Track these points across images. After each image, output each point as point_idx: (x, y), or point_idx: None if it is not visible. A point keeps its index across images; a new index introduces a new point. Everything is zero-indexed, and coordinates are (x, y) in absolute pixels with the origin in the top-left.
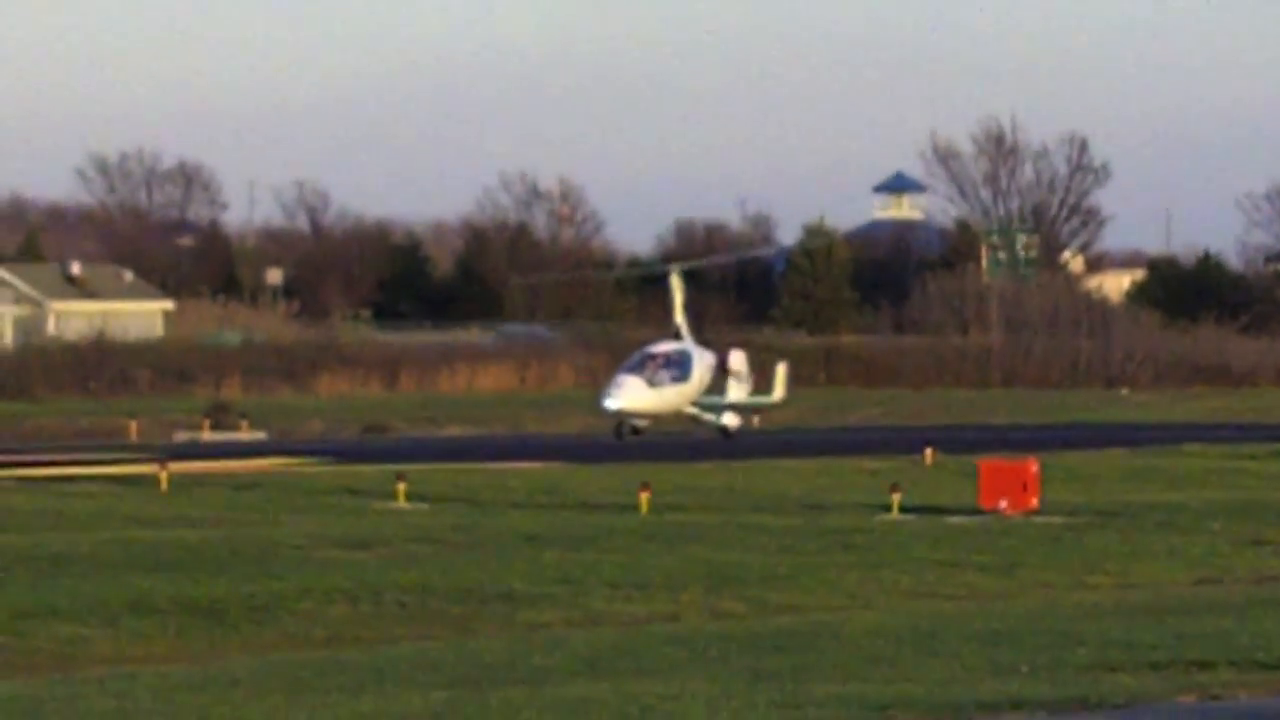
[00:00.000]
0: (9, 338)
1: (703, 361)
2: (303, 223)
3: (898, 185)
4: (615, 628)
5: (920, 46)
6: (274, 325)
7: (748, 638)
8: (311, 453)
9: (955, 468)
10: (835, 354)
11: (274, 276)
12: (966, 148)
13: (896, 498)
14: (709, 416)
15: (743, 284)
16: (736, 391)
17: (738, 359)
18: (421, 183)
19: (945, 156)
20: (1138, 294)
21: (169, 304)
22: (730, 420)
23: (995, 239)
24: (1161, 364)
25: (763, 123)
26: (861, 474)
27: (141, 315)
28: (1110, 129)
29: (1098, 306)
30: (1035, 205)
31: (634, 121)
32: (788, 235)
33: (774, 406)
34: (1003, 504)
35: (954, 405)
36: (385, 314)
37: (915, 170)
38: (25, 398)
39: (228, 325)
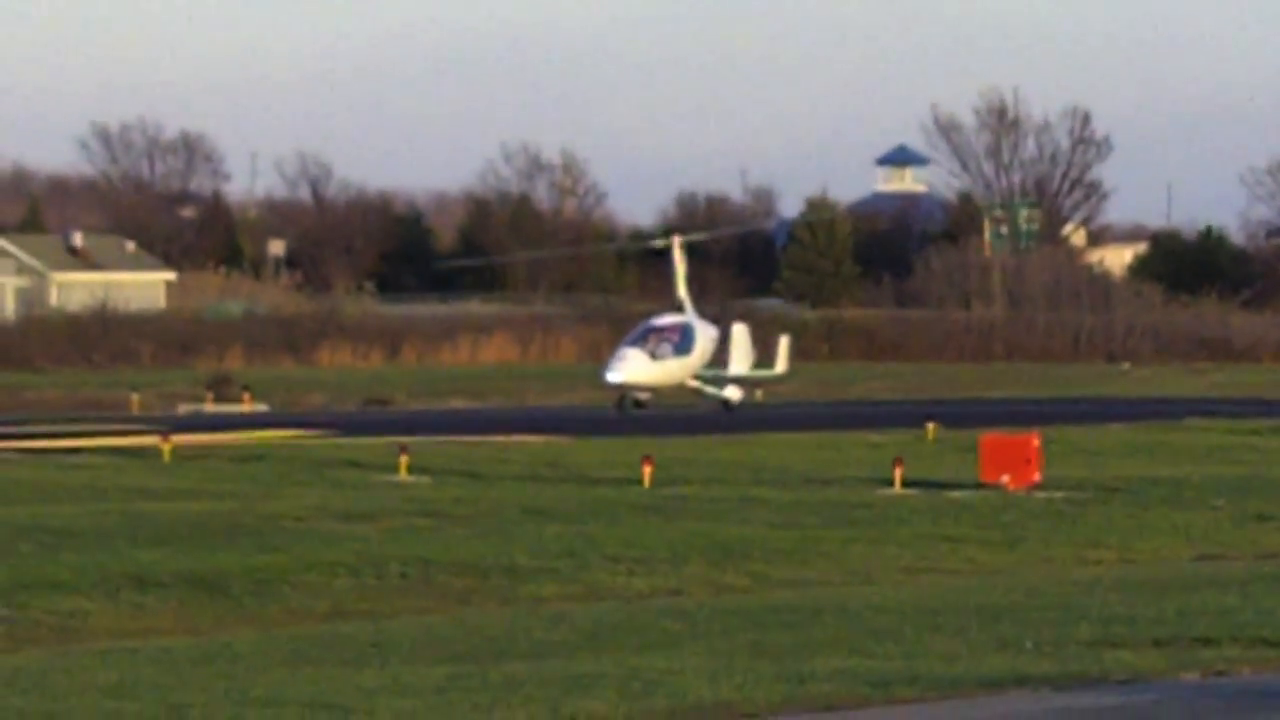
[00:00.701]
0: (11, 309)
1: (705, 334)
2: (305, 194)
3: (900, 158)
4: (617, 602)
5: (922, 18)
6: (276, 297)
7: (750, 612)
8: (314, 425)
9: (957, 442)
10: (837, 327)
11: (276, 248)
12: (968, 120)
13: (899, 472)
14: (711, 389)
15: (745, 257)
16: (739, 365)
17: (740, 332)
18: (424, 154)
19: (947, 129)
20: (1140, 268)
21: (171, 275)
22: (733, 393)
23: (997, 212)
24: (1163, 338)
25: (764, 95)
26: (864, 448)
27: (143, 286)
28: (1113, 102)
29: (1100, 280)
30: (1037, 179)
31: (636, 93)
32: (790, 208)
33: (776, 380)
34: (1005, 479)
35: (956, 379)
36: (388, 286)
37: (917, 143)
38: (27, 369)
39: (230, 297)
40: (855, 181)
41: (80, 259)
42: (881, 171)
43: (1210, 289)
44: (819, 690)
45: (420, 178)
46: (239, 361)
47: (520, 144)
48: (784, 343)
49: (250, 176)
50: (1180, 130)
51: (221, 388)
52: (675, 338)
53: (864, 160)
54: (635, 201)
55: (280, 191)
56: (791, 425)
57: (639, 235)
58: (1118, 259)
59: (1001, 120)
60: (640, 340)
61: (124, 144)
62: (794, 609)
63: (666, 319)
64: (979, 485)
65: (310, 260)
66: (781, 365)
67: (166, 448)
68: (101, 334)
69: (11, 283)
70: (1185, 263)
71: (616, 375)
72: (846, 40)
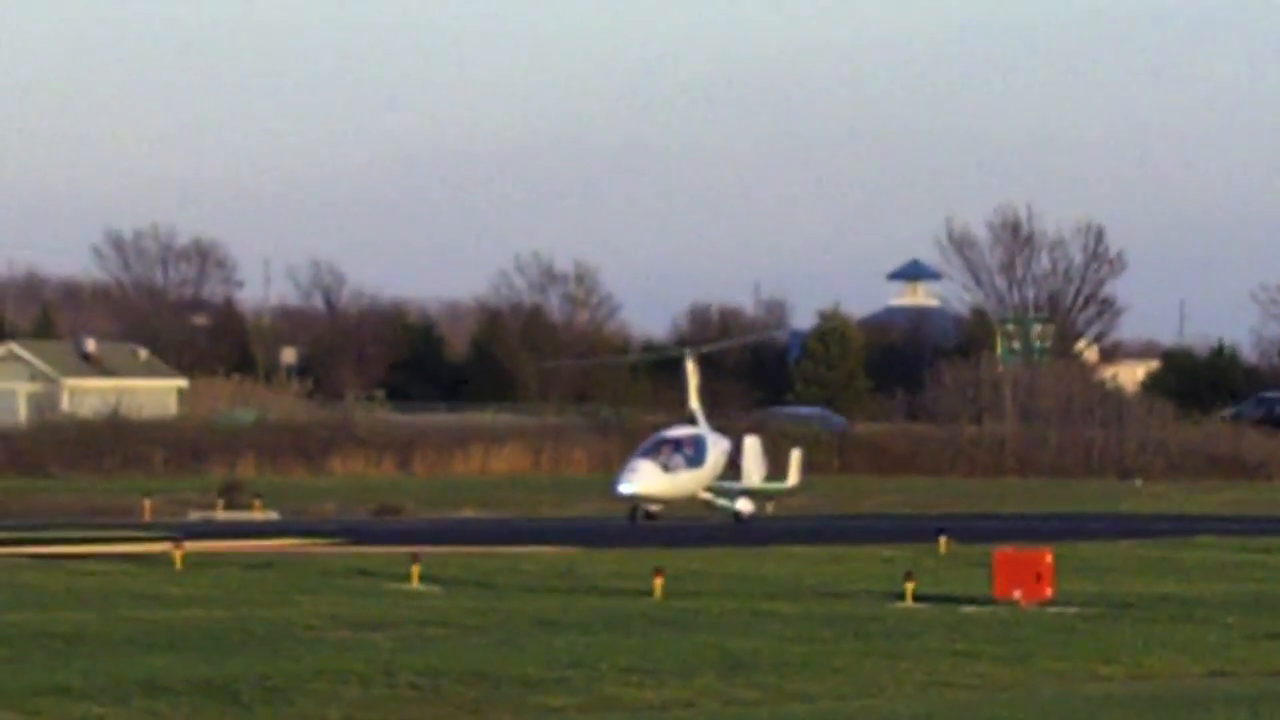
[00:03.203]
0: (23, 414)
1: (717, 447)
2: (318, 302)
3: (913, 272)
4: (629, 714)
5: (936, 134)
6: (288, 404)
7: None
8: (325, 533)
9: (969, 557)
10: (849, 441)
11: (288, 355)
12: (982, 235)
13: (910, 586)
14: (723, 502)
15: (757, 369)
16: (750, 477)
17: (752, 445)
18: (437, 264)
19: (961, 244)
20: (1152, 384)
21: (183, 382)
22: (744, 506)
23: (1010, 327)
24: (1175, 455)
25: (778, 208)
26: (875, 562)
27: (156, 393)
28: (1126, 219)
29: (1112, 396)
30: (1050, 294)
31: (649, 205)
32: (802, 321)
33: (788, 493)
34: (1016, 594)
35: (968, 494)
36: (399, 395)
37: (931, 257)
38: (39, 474)
39: (242, 404)
40: (868, 295)
41: (92, 365)
42: (894, 285)
43: (1222, 406)
44: None
45: (433, 287)
46: (251, 469)
47: (533, 254)
48: (795, 456)
49: (263, 284)
50: (1193, 247)
51: (233, 495)
52: (688, 450)
53: (877, 274)
54: (648, 313)
55: (293, 299)
56: (803, 538)
57: (651, 347)
58: (1130, 375)
59: (1015, 235)
60: (652, 452)
61: (137, 250)
62: None
63: (678, 431)
64: (991, 600)
65: (322, 368)
66: (793, 478)
67: (178, 554)
68: (113, 440)
69: (24, 388)
70: (1197, 380)
71: (628, 487)
72: (860, 154)
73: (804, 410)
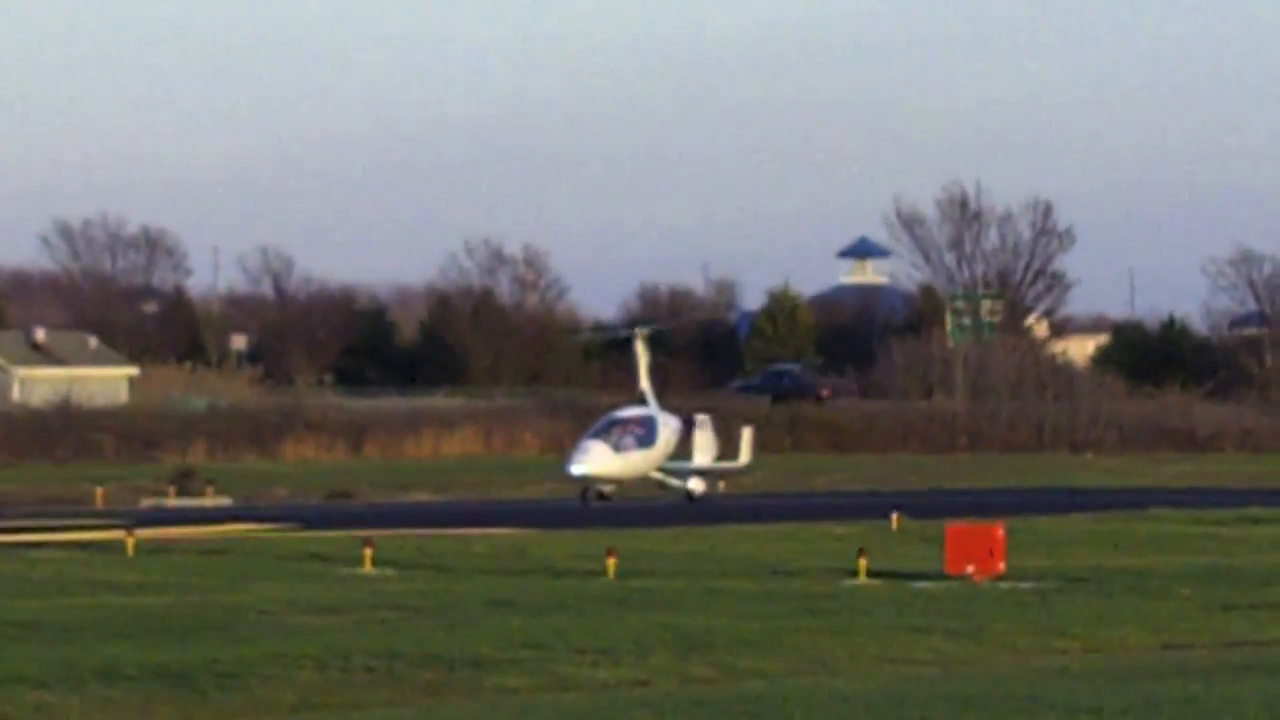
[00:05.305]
0: None
1: (668, 426)
2: (267, 288)
3: (862, 250)
4: (584, 693)
5: (884, 112)
6: (239, 391)
7: (717, 704)
8: (278, 518)
9: (921, 532)
10: (800, 419)
11: (239, 342)
12: (930, 213)
13: (863, 563)
14: (675, 481)
15: (708, 349)
16: (702, 456)
17: (704, 424)
18: (386, 248)
19: (909, 221)
20: (1102, 358)
21: (134, 370)
22: (696, 485)
23: (960, 304)
24: (1126, 428)
25: (727, 187)
26: (828, 539)
27: (106, 381)
28: (1075, 193)
29: (1062, 371)
30: (1000, 270)
31: (598, 187)
32: (752, 300)
33: (740, 472)
34: (969, 569)
35: (919, 470)
36: (350, 380)
37: (879, 235)
38: None
39: (193, 391)
40: (817, 274)
41: (43, 354)
42: (843, 264)
43: (1173, 379)
44: None
45: (382, 271)
46: (202, 456)
47: (482, 238)
48: (747, 434)
49: (212, 271)
50: (1142, 221)
51: (185, 482)
52: (638, 430)
53: (826, 253)
54: (598, 295)
55: (242, 286)
56: (755, 517)
57: (601, 328)
58: (1080, 350)
59: (963, 212)
60: (603, 433)
61: (85, 239)
62: (760, 700)
63: (629, 411)
64: (944, 576)
65: (272, 354)
66: (745, 457)
67: (131, 542)
68: (64, 429)
69: None
70: (1148, 353)
71: (580, 468)
72: (808, 133)
73: None
